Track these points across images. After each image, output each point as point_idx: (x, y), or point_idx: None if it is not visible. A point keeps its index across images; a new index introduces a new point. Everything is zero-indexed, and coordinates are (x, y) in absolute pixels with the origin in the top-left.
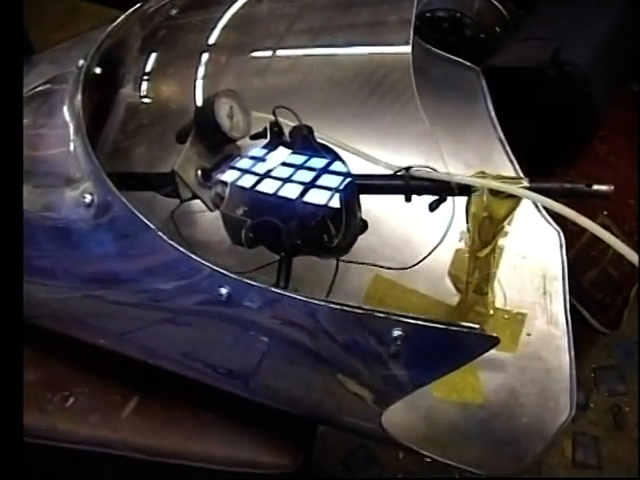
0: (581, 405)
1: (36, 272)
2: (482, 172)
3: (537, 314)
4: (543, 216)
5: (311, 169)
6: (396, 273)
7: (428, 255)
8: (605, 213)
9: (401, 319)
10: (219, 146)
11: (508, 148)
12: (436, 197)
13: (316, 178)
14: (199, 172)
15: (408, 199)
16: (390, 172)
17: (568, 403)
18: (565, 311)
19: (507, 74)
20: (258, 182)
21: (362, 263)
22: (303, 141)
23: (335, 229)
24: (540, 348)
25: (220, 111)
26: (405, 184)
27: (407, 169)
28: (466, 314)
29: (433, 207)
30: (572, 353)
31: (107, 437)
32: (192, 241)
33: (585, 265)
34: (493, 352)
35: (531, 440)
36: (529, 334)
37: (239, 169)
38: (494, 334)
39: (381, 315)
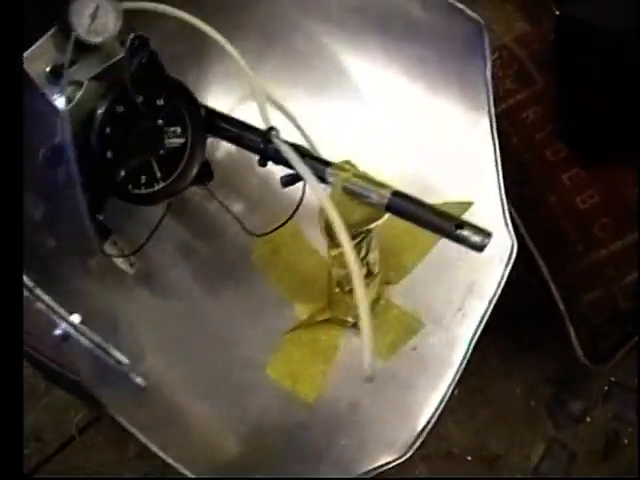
0: (576, 415)
1: None
2: (347, 162)
3: (437, 330)
4: (504, 219)
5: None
6: None
7: (281, 226)
8: None
9: None
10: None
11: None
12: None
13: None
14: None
15: (262, 164)
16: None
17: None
18: (470, 342)
19: (584, 29)
20: None
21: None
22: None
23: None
24: (415, 371)
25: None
26: (263, 146)
27: (270, 129)
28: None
29: (284, 182)
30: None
31: None
32: None
33: (593, 281)
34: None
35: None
36: (415, 348)
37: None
38: None
39: None
